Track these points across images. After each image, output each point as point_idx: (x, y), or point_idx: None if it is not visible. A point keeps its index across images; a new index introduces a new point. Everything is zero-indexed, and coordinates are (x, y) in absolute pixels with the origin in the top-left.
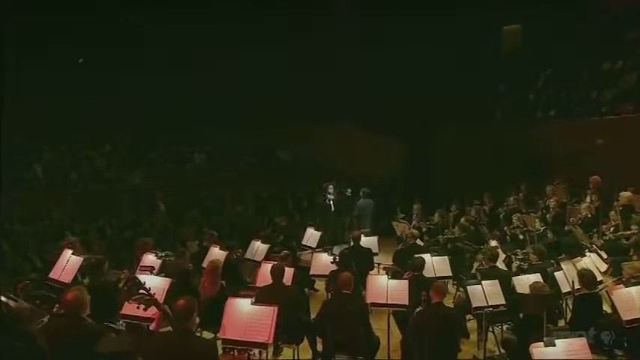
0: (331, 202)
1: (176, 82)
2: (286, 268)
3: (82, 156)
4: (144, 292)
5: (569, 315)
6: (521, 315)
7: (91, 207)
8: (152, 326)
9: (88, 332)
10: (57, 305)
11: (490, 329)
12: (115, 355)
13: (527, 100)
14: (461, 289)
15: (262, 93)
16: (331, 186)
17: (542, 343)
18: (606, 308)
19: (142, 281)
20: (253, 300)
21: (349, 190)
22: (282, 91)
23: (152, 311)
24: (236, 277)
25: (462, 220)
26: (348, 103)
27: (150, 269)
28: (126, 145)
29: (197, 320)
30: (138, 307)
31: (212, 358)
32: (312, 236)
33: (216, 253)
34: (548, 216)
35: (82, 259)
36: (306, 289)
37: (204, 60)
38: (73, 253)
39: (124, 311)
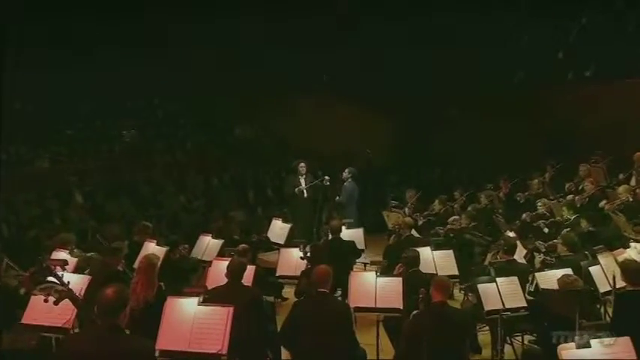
0: (303, 187)
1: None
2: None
3: None
4: (54, 280)
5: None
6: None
7: None
8: (64, 323)
9: None
10: None
11: (508, 340)
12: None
13: (556, 58)
14: (470, 294)
15: (214, 54)
16: (303, 164)
17: (573, 344)
18: None
19: (52, 267)
20: (201, 299)
21: (327, 178)
22: (238, 53)
23: (66, 316)
24: (179, 281)
25: (470, 207)
26: (325, 67)
27: (61, 263)
28: (29, 118)
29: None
30: (46, 300)
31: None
32: (278, 230)
33: (153, 250)
34: (577, 199)
35: None
36: (272, 298)
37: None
38: None
39: (25, 320)
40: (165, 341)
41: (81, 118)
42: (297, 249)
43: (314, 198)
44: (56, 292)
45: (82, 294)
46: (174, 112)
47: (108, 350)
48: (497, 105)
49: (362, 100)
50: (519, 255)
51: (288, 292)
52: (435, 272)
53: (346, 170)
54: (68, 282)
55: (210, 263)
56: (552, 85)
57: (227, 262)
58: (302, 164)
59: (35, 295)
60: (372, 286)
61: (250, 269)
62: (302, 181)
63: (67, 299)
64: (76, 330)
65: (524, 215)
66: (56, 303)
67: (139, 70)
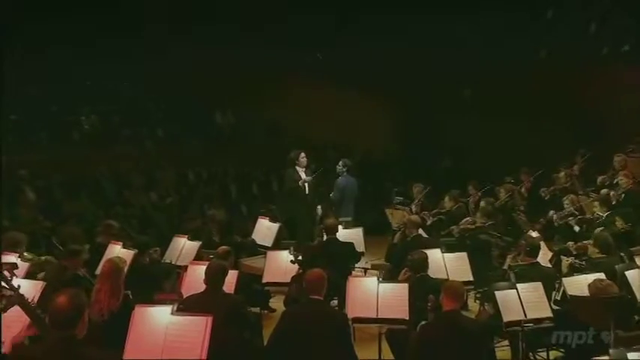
0: (308, 179)
1: None
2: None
3: None
4: (2, 284)
5: None
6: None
7: None
8: (17, 336)
9: None
10: None
11: (530, 356)
12: None
13: (587, 31)
14: (486, 303)
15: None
16: (304, 155)
17: (606, 358)
18: None
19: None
20: (175, 308)
21: (342, 164)
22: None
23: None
24: (149, 289)
25: (484, 203)
26: (319, 47)
27: (10, 267)
28: None
29: None
30: None
31: None
32: (265, 230)
33: (118, 253)
34: (612, 194)
35: None
36: (258, 309)
37: None
38: None
39: None
40: (133, 356)
41: (27, 102)
42: (287, 252)
43: (311, 194)
44: (4, 298)
45: (34, 302)
46: (142, 94)
47: None
48: (518, 86)
49: (361, 81)
50: (544, 258)
51: (277, 302)
52: (446, 277)
53: (340, 163)
54: (19, 286)
55: (185, 268)
56: (583, 63)
57: (205, 267)
58: (302, 155)
59: None
60: (374, 294)
61: (232, 274)
62: (302, 174)
63: (16, 306)
64: None
65: (550, 213)
66: (4, 310)
67: (102, 47)
